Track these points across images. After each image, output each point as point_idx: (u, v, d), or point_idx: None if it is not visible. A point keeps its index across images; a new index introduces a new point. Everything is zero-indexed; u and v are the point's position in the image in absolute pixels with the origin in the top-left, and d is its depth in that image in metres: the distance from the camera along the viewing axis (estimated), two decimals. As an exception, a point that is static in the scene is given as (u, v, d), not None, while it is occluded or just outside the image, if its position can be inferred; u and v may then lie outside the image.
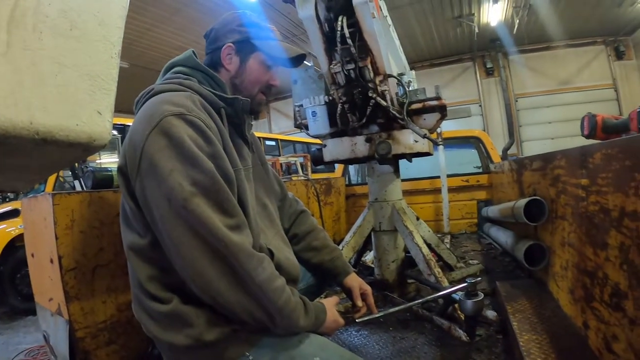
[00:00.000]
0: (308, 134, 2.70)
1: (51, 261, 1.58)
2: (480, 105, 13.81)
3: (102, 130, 0.81)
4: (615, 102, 12.74)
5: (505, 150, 10.84)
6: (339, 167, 5.57)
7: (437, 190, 4.98)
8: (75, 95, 0.77)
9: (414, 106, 2.45)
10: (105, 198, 1.74)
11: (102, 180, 2.10)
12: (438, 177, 4.90)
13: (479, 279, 1.99)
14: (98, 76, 0.81)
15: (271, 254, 1.26)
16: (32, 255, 1.82)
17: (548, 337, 1.69)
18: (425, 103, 2.45)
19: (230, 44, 1.38)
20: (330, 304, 1.36)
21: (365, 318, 1.58)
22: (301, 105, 2.67)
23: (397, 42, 3.16)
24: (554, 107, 12.99)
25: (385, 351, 2.03)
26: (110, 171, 2.14)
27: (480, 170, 5.21)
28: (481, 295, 1.93)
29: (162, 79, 1.35)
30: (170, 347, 1.16)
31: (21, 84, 0.68)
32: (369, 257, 3.57)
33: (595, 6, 10.38)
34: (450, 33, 12.25)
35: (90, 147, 0.77)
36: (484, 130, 13.28)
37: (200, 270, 1.06)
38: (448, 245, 3.83)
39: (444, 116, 2.54)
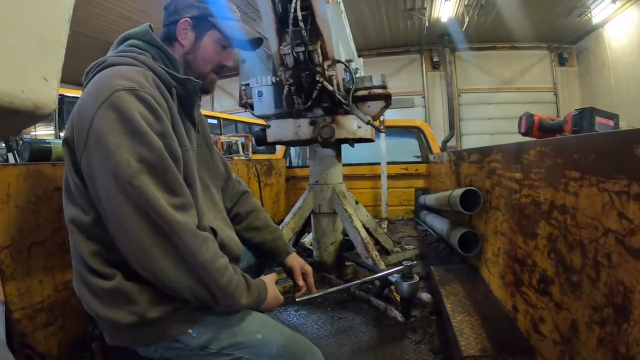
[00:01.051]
0: (252, 114, 2.68)
1: None
2: (423, 97, 14.14)
3: (47, 98, 0.78)
4: (554, 105, 13.46)
5: (445, 142, 11.20)
6: (280, 149, 5.55)
7: (377, 177, 5.09)
8: (23, 60, 0.72)
9: (360, 93, 2.48)
10: (43, 171, 1.64)
11: (39, 153, 2.01)
12: (378, 163, 5.00)
13: (415, 262, 2.06)
14: (47, 41, 0.77)
15: (214, 232, 1.25)
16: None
17: (480, 318, 1.77)
18: (371, 91, 2.49)
19: (188, 19, 1.33)
20: (271, 281, 1.38)
21: (305, 297, 1.59)
22: (247, 85, 2.64)
23: (348, 29, 3.17)
24: (495, 104, 13.54)
25: (323, 330, 2.07)
26: (49, 143, 2.04)
27: (420, 159, 5.36)
28: (416, 278, 1.99)
29: (114, 50, 1.29)
30: (112, 324, 1.14)
31: None
32: (307, 239, 3.60)
33: (545, 13, 10.87)
34: (400, 24, 12.40)
35: (34, 116, 0.74)
36: (426, 122, 13.68)
37: (143, 248, 1.04)
38: (385, 230, 3.93)
39: (388, 105, 2.58)
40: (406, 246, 3.64)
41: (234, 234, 1.44)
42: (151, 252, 1.05)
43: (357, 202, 2.99)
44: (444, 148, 9.81)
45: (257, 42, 1.45)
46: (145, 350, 1.19)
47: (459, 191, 2.56)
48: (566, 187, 1.33)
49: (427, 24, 11.65)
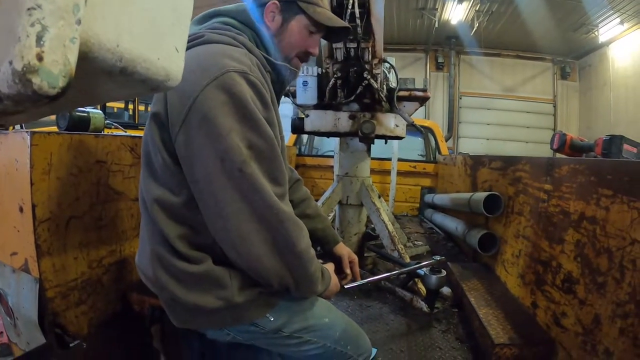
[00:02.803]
0: (293, 102, 2.76)
1: (21, 210, 1.38)
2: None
3: (177, 69, 0.71)
4: (552, 117, 13.63)
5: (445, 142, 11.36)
6: (291, 136, 5.58)
7: (385, 172, 5.21)
8: (159, 25, 0.67)
9: (401, 93, 2.60)
10: (85, 142, 1.56)
11: (79, 122, 1.90)
12: (388, 159, 5.10)
13: (443, 257, 2.22)
14: (179, 9, 0.71)
15: None
16: (-10, 201, 1.57)
17: (502, 311, 1.95)
18: (412, 92, 2.61)
19: (276, 2, 1.27)
20: (332, 270, 1.41)
21: (352, 285, 1.66)
22: None
23: None
24: (495, 110, 13.67)
25: (355, 317, 2.20)
26: (87, 113, 1.96)
27: (424, 158, 5.49)
28: (444, 272, 2.16)
29: (202, 25, 1.27)
30: (190, 308, 1.12)
31: None
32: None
33: (553, 27, 10.96)
34: (410, 22, 12.44)
35: (162, 86, 0.67)
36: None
37: (243, 234, 1.03)
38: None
39: (421, 105, 2.73)
40: (415, 242, 3.81)
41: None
42: (250, 239, 1.03)
43: (379, 196, 3.14)
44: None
45: (344, 32, 1.41)
46: (216, 333, 1.20)
47: (481, 194, 2.73)
48: (598, 202, 1.53)
49: (436, 25, 11.71)
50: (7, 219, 1.43)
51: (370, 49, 2.30)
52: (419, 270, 2.20)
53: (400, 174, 5.16)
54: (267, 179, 1.05)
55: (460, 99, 13.97)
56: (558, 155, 2.52)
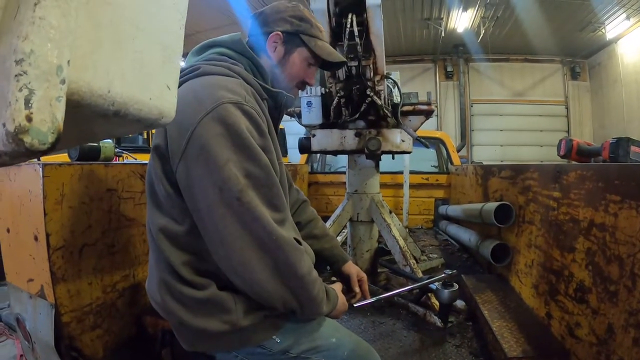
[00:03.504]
0: (299, 122, 2.80)
1: (35, 238, 1.44)
2: (436, 106, 14.18)
3: (170, 106, 0.74)
4: (565, 119, 13.49)
5: (456, 151, 11.29)
6: (302, 155, 5.61)
7: (398, 185, 5.21)
8: (149, 65, 0.69)
9: (405, 108, 2.62)
10: (96, 172, 1.63)
11: (89, 152, 1.94)
12: (399, 172, 5.10)
13: (455, 271, 2.21)
14: (169, 47, 0.73)
15: (299, 243, 1.30)
16: (8, 231, 1.61)
17: (516, 324, 1.93)
18: (416, 107, 2.62)
19: (279, 33, 1.32)
20: (339, 290, 1.43)
21: (361, 303, 1.66)
22: None
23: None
24: (507, 116, 13.59)
25: (368, 334, 2.21)
26: (98, 143, 1.99)
27: (437, 169, 5.47)
28: (456, 286, 2.15)
29: (199, 56, 1.31)
30: (198, 332, 1.15)
31: (100, 42, 0.59)
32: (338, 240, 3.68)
33: (559, 27, 10.92)
34: (416, 33, 12.49)
35: (155, 124, 0.71)
36: (438, 131, 13.80)
37: (244, 261, 1.06)
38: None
39: (427, 118, 2.73)
40: (430, 255, 3.79)
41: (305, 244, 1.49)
42: (252, 265, 1.06)
43: (390, 212, 3.14)
44: (454, 158, 9.95)
45: (339, 65, 1.47)
46: (224, 356, 1.22)
47: (492, 205, 2.71)
48: (606, 208, 1.50)
49: (443, 34, 11.73)
50: (23, 247, 1.49)
51: (371, 66, 2.30)
52: (431, 285, 2.19)
53: (412, 186, 5.16)
54: (266, 206, 1.08)
55: (472, 106, 13.93)
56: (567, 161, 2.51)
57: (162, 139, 1.12)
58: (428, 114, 2.67)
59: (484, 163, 12.45)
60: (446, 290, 2.12)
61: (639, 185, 1.36)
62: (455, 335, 2.16)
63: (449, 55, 13.80)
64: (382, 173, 5.19)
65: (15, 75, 0.43)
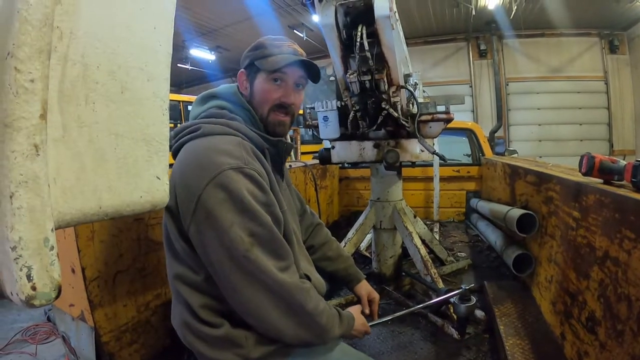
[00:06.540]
0: (317, 135, 2.82)
1: (72, 271, 1.59)
2: (470, 86, 13.82)
3: (162, 194, 0.79)
4: (604, 95, 12.85)
5: (492, 132, 10.96)
6: None
7: (428, 178, 5.15)
8: (135, 166, 0.72)
9: (423, 117, 2.60)
10: None
11: None
12: (430, 165, 5.01)
13: (472, 285, 2.23)
14: (153, 139, 0.77)
15: (307, 278, 1.41)
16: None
17: (530, 342, 1.95)
18: (434, 116, 2.60)
19: (243, 70, 1.43)
20: (357, 311, 1.55)
21: (371, 324, 1.70)
22: (312, 108, 2.76)
23: (402, 34, 3.06)
24: (544, 93, 13.06)
25: (385, 345, 2.27)
26: None
27: (470, 160, 5.39)
28: (474, 300, 2.17)
29: (200, 109, 1.42)
30: None
31: (83, 167, 0.63)
32: (362, 244, 3.75)
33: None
34: (446, 12, 12.16)
35: (151, 212, 0.80)
36: (473, 112, 13.44)
37: (257, 306, 1.19)
38: (438, 236, 4.09)
39: (448, 123, 2.71)
40: (459, 253, 3.79)
41: (316, 272, 1.58)
42: (264, 308, 1.19)
43: (415, 216, 3.15)
44: (491, 139, 9.65)
45: (310, 66, 1.42)
46: None
47: (516, 212, 2.70)
48: (621, 243, 1.45)
49: (473, 12, 11.31)
50: (62, 277, 1.60)
51: (385, 78, 2.25)
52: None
53: (443, 179, 5.10)
54: (270, 257, 1.20)
55: (507, 85, 13.49)
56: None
57: (172, 201, 1.21)
58: (447, 121, 2.64)
59: (521, 145, 11.99)
60: (463, 305, 2.15)
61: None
62: (471, 349, 2.19)
63: (482, 33, 13.35)
64: (412, 166, 5.21)
65: (15, 259, 0.54)
